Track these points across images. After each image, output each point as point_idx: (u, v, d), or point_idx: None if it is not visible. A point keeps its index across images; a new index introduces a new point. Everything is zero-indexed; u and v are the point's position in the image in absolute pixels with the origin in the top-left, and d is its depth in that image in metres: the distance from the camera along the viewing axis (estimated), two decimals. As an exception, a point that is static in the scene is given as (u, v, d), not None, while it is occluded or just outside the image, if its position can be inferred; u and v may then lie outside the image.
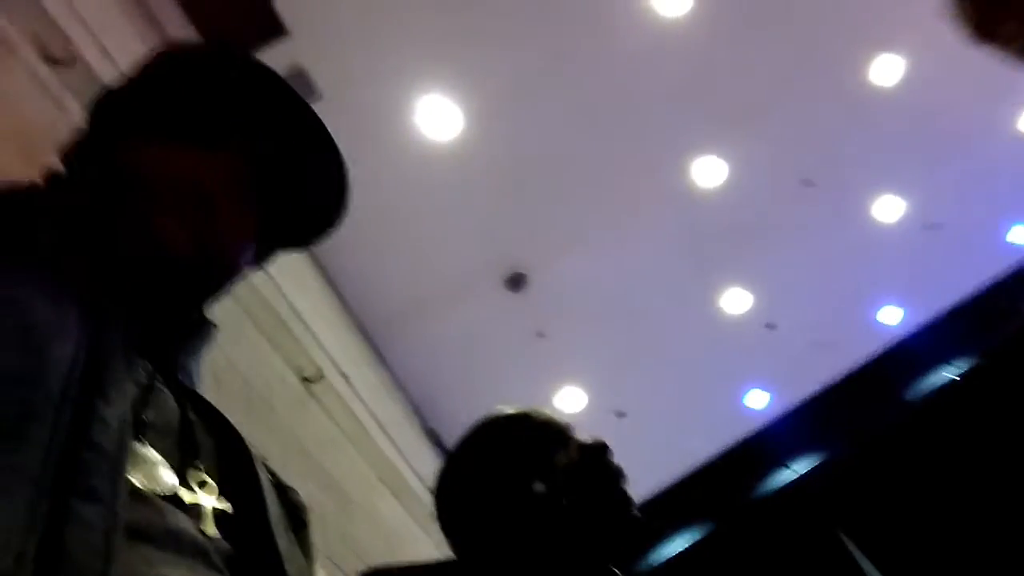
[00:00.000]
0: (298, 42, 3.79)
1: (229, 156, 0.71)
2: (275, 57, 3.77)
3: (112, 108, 0.75)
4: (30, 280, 0.54)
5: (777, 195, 5.19)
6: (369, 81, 4.04)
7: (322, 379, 3.04)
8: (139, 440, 0.54)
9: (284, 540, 0.61)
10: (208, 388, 2.02)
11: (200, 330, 0.76)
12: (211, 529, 0.54)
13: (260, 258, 0.82)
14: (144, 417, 0.56)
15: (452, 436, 5.48)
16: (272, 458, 2.11)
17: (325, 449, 2.78)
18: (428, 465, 4.50)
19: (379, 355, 4.76)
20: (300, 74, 3.91)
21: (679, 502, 6.24)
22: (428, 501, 4.01)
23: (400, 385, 4.88)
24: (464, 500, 1.14)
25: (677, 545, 6.35)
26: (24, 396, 0.44)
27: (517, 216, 4.76)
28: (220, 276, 0.72)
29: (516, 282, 5.02)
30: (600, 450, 1.12)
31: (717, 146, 4.89)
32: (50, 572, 0.39)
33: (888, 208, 5.56)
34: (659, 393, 5.86)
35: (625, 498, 1.09)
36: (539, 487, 1.07)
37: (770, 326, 5.81)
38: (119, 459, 0.47)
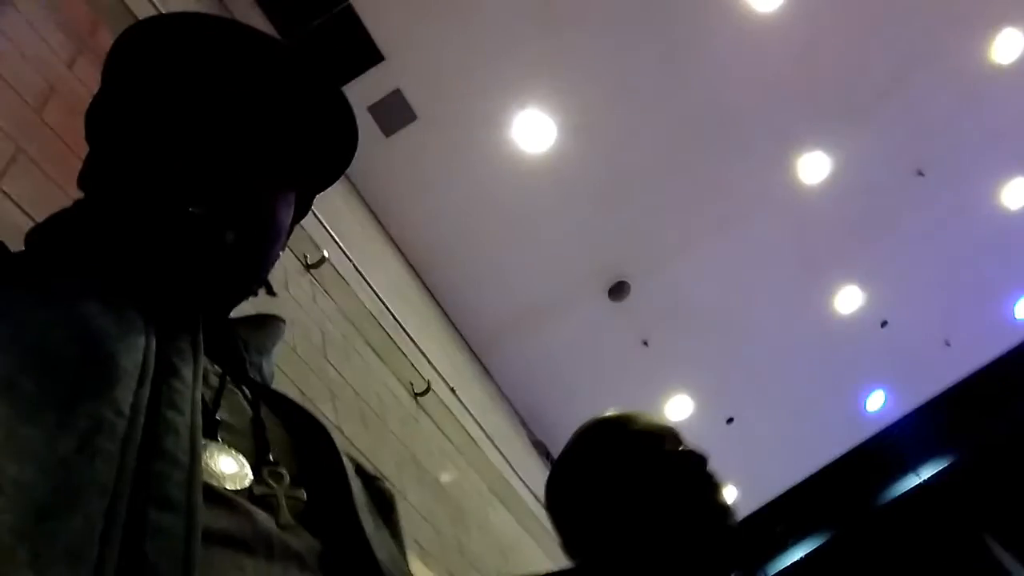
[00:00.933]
0: (393, 66, 3.91)
1: (226, 112, 0.69)
2: (373, 81, 3.90)
3: (103, 116, 0.74)
4: (89, 296, 0.55)
5: (888, 187, 4.96)
6: (464, 99, 4.11)
7: (430, 393, 3.10)
8: (216, 440, 0.54)
9: (371, 524, 0.60)
10: (324, 404, 2.09)
11: (266, 325, 0.75)
12: (287, 518, 0.53)
13: (302, 205, 0.79)
14: (218, 417, 0.57)
15: (559, 447, 5.45)
16: (387, 470, 2.16)
17: (437, 461, 2.82)
18: (536, 476, 4.51)
19: (484, 368, 4.81)
20: (398, 96, 4.03)
21: (796, 508, 6.02)
22: (538, 511, 4.01)
23: (505, 397, 4.92)
24: (565, 506, 1.14)
25: (796, 552, 6.11)
26: (93, 411, 0.45)
27: (617, 225, 4.72)
28: (269, 239, 0.69)
29: (618, 291, 4.97)
30: (696, 459, 1.09)
31: (822, 141, 4.72)
32: None
33: (1018, 193, 5.21)
34: (768, 397, 5.68)
35: (721, 507, 1.05)
36: (633, 492, 1.05)
37: (886, 324, 5.54)
38: (193, 467, 0.47)
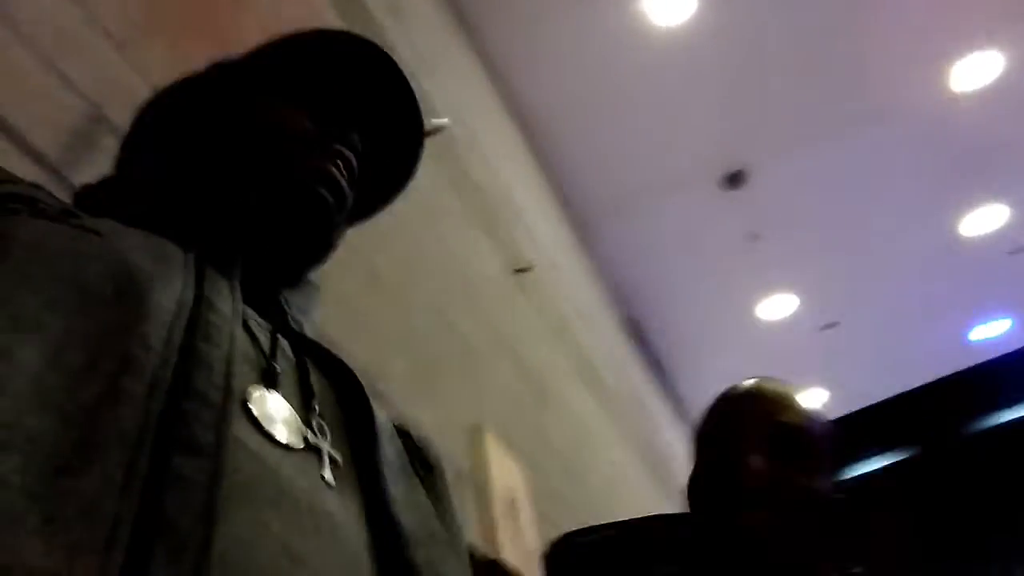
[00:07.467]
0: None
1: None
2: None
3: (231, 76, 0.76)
4: (130, 233, 0.53)
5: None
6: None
7: (530, 270, 3.13)
8: (275, 387, 0.52)
9: (399, 484, 0.56)
10: (425, 279, 2.15)
11: (304, 288, 0.74)
12: (329, 475, 0.51)
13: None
14: (275, 365, 0.54)
15: (651, 327, 5.53)
16: (472, 347, 2.24)
17: (526, 340, 2.90)
18: (623, 357, 4.59)
19: (587, 242, 4.81)
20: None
21: (883, 423, 5.96)
22: (619, 392, 4.07)
23: (605, 273, 4.94)
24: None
25: (872, 465, 6.11)
26: (124, 350, 0.41)
27: (743, 112, 4.49)
28: (337, 231, 0.72)
29: (735, 180, 4.80)
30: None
31: (990, 42, 4.26)
32: (147, 544, 0.34)
33: None
34: (878, 309, 5.51)
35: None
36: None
37: (1016, 251, 5.19)
38: (224, 406, 0.43)
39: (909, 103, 4.47)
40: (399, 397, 1.72)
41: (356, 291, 1.77)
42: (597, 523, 1.20)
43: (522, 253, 3.14)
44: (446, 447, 1.85)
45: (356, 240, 1.82)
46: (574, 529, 1.15)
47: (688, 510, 1.09)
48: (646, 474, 4.00)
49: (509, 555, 1.86)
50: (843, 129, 4.58)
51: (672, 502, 1.22)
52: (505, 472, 2.03)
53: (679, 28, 4.10)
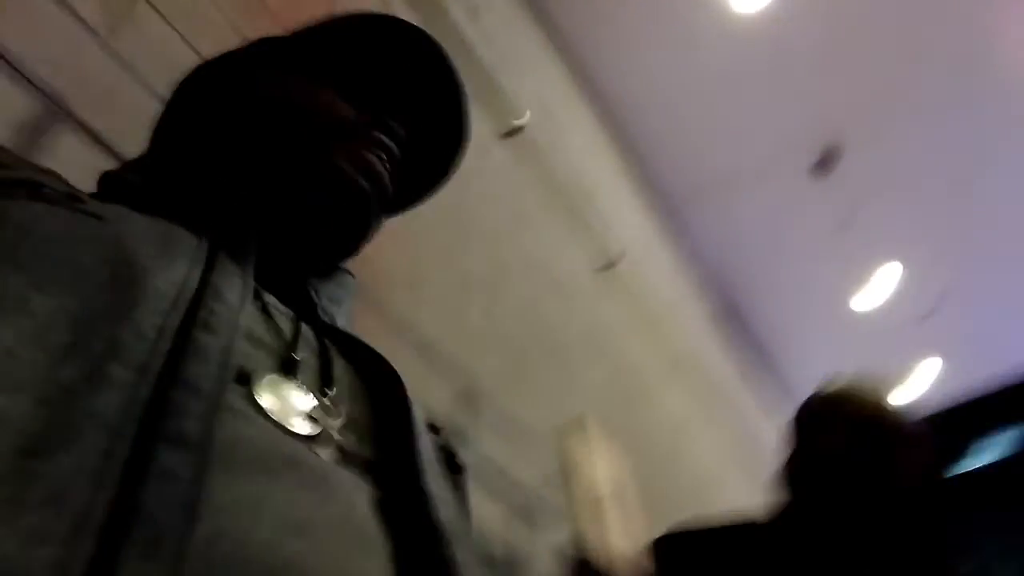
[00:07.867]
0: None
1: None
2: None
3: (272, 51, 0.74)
4: (138, 217, 0.51)
5: None
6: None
7: (619, 262, 3.12)
8: (286, 376, 0.50)
9: (435, 482, 0.54)
10: (515, 278, 2.17)
11: (336, 276, 0.70)
12: (338, 456, 0.49)
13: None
14: (293, 353, 0.52)
15: (745, 317, 5.41)
16: (563, 345, 2.25)
17: (617, 334, 2.89)
18: (716, 349, 4.52)
19: (676, 232, 4.75)
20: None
21: (992, 412, 5.66)
22: (714, 382, 4.01)
23: (695, 263, 4.86)
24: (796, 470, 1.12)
25: (991, 452, 5.80)
26: (112, 334, 0.39)
27: (835, 91, 4.33)
28: (375, 221, 0.69)
29: (827, 164, 4.64)
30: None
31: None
32: (118, 536, 0.32)
33: None
34: (982, 294, 5.22)
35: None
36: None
37: None
38: (215, 397, 0.40)
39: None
40: (494, 395, 1.75)
41: (449, 293, 1.80)
42: (693, 518, 1.20)
43: (610, 246, 3.12)
44: (541, 443, 1.87)
45: (448, 242, 1.86)
46: (677, 527, 1.16)
47: (776, 502, 1.09)
48: (741, 467, 3.93)
49: (605, 552, 1.87)
50: (948, 110, 4.36)
51: (767, 495, 1.21)
52: (602, 467, 2.03)
53: (764, 10, 4.00)
